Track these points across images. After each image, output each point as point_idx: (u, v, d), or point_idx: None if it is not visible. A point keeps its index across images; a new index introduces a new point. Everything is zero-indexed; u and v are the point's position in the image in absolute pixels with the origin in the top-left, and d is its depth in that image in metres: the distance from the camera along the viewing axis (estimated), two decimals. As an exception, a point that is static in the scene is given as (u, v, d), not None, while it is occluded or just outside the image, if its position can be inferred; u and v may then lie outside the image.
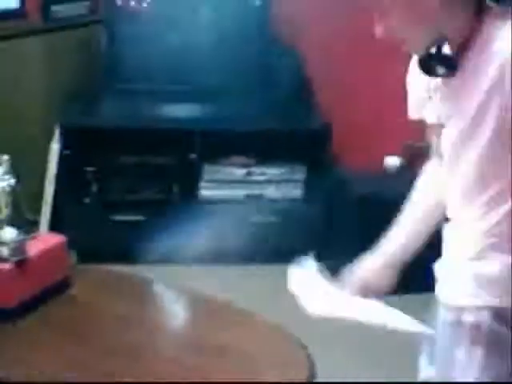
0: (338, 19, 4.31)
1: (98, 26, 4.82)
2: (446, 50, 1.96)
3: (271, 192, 4.65)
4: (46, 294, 2.55)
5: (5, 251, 2.47)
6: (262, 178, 4.63)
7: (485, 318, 1.99)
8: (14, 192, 2.50)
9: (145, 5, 4.50)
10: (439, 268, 2.16)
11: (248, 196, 4.61)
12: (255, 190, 4.63)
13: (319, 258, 2.90)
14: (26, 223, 2.57)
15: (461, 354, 2.03)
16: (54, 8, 4.71)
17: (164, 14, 4.59)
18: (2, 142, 4.18)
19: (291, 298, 2.22)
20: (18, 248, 2.47)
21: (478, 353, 2.00)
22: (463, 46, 1.94)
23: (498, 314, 1.99)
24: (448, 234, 2.15)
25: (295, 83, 4.57)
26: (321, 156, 4.59)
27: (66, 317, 2.53)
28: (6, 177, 2.47)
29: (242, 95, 4.56)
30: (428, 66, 1.96)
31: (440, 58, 1.94)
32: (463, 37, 1.93)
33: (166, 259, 4.22)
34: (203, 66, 4.60)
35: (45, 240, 2.67)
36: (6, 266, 2.45)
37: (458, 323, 2.04)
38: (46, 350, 2.36)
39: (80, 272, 2.77)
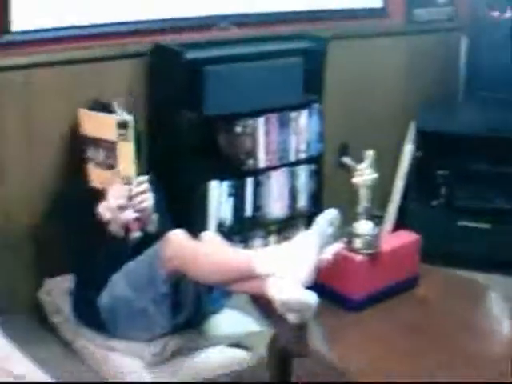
0: None
1: (457, 32, 4.79)
2: None
3: None
4: (394, 289, 2.57)
5: (358, 243, 2.52)
6: None
7: None
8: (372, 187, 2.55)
9: (508, 14, 4.41)
10: None
11: None
12: None
13: None
14: (372, 218, 2.61)
15: None
16: (417, 11, 4.74)
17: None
18: (357, 135, 4.31)
19: None
20: (372, 241, 2.52)
21: None
22: None
23: None
24: None
25: None
26: None
27: (408, 314, 2.54)
28: (369, 171, 2.52)
29: None
30: None
31: None
32: None
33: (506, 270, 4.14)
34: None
35: (399, 236, 2.70)
36: (358, 257, 2.50)
37: None
38: (383, 343, 2.38)
39: (424, 272, 2.76)
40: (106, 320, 3.06)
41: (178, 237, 2.84)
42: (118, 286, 3.02)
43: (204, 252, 2.78)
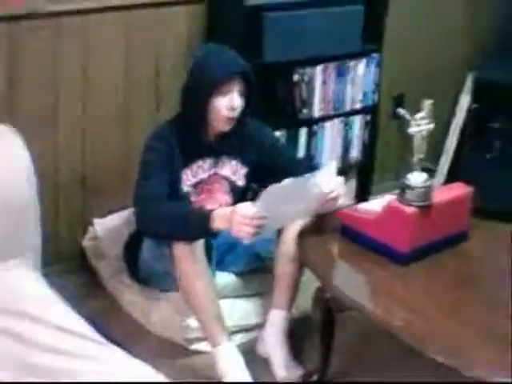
0: None
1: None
2: None
3: None
4: (443, 243, 2.56)
5: (410, 195, 2.50)
6: None
7: None
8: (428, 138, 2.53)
9: None
10: None
11: None
12: None
13: None
14: (424, 170, 2.59)
15: None
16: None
17: None
18: (413, 86, 4.27)
19: None
20: (424, 193, 2.49)
21: None
22: None
23: None
24: None
25: None
26: None
27: (456, 268, 2.52)
28: (425, 121, 2.49)
29: None
30: None
31: None
32: None
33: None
34: None
35: (452, 189, 2.66)
36: (409, 209, 2.48)
37: None
38: (428, 295, 2.38)
39: (474, 226, 2.72)
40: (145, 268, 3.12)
41: None
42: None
43: None
